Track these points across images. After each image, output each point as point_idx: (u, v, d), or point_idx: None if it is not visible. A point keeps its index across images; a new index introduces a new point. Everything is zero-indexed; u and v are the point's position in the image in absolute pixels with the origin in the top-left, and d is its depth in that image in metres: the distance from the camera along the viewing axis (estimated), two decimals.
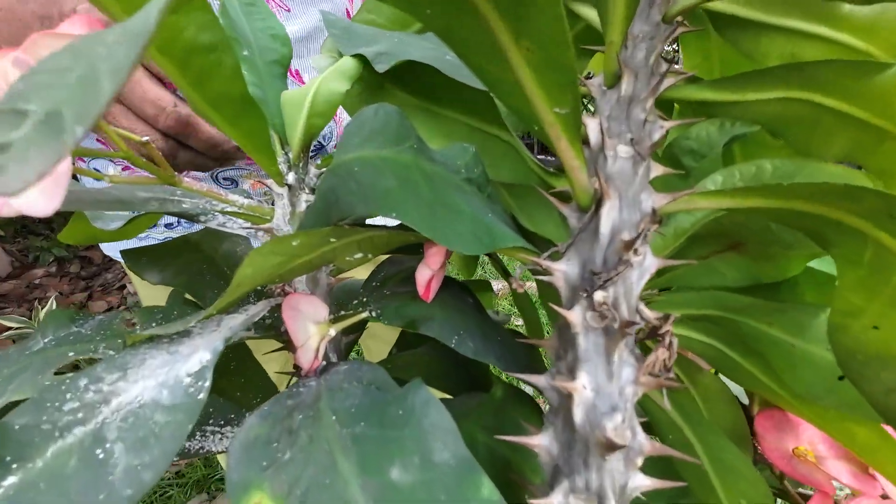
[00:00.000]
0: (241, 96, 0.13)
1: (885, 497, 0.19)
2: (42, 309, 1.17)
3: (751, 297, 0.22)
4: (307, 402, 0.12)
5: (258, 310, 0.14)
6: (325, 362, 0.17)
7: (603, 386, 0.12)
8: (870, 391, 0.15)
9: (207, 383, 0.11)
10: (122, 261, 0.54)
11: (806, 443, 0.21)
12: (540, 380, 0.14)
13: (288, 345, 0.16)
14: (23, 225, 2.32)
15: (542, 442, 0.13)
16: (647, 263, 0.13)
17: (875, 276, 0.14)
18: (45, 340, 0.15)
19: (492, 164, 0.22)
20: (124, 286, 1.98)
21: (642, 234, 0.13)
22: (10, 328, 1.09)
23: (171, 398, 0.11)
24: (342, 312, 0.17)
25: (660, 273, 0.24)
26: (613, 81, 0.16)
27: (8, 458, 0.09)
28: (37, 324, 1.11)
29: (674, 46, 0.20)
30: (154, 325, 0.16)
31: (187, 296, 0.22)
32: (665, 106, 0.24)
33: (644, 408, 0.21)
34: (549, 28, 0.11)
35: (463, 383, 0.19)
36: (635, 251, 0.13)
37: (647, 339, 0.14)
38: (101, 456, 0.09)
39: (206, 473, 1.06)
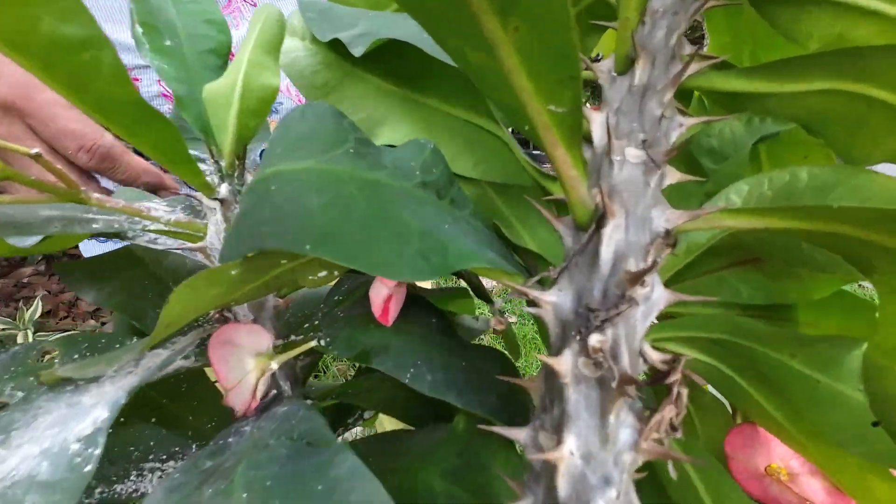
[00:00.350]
0: (133, 101, 0.10)
1: None
2: (28, 310, 1.14)
3: (765, 317, 0.20)
4: (225, 467, 0.09)
5: (186, 343, 0.12)
6: (274, 391, 0.14)
7: (595, 452, 0.10)
8: None
9: (98, 450, 0.09)
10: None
11: (778, 459, 0.19)
12: (520, 434, 0.11)
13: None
14: None
15: None
16: (654, 297, 0.11)
17: None
18: None
19: (481, 162, 0.20)
20: None
21: (648, 259, 0.11)
22: None
23: (52, 472, 0.09)
24: (293, 338, 0.14)
25: (667, 285, 0.22)
26: (626, 67, 0.13)
27: None
28: (22, 325, 1.10)
29: (697, 20, 0.17)
30: (77, 357, 0.14)
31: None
32: (684, 96, 0.21)
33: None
34: (544, 2, 0.08)
35: (429, 412, 0.17)
36: (642, 283, 0.11)
37: (652, 385, 0.12)
38: None
39: None
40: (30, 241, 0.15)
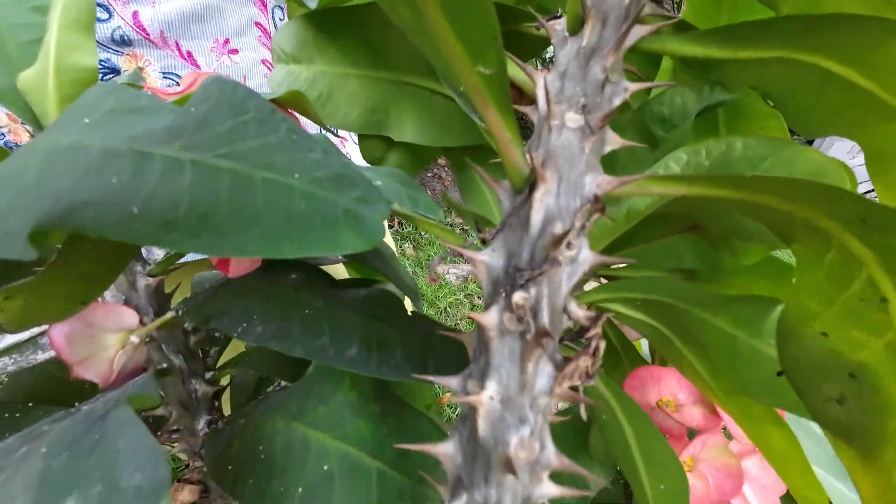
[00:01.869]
0: None
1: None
2: None
3: (705, 282, 0.21)
4: (51, 430, 0.10)
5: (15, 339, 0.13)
6: (165, 365, 0.15)
7: (513, 396, 0.11)
8: (808, 397, 0.14)
9: None
10: None
11: (668, 394, 0.21)
12: (452, 382, 0.12)
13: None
14: None
15: (446, 450, 0.12)
16: (581, 259, 0.12)
17: (834, 282, 0.12)
18: None
19: (444, 129, 0.20)
20: None
21: (576, 223, 0.11)
22: None
23: None
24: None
25: (612, 250, 0.23)
26: (576, 27, 0.13)
27: None
28: None
29: None
30: None
31: None
32: (652, 62, 0.21)
33: (586, 392, 0.20)
34: None
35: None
36: (568, 245, 0.11)
37: (574, 340, 0.13)
38: None
39: None
40: None
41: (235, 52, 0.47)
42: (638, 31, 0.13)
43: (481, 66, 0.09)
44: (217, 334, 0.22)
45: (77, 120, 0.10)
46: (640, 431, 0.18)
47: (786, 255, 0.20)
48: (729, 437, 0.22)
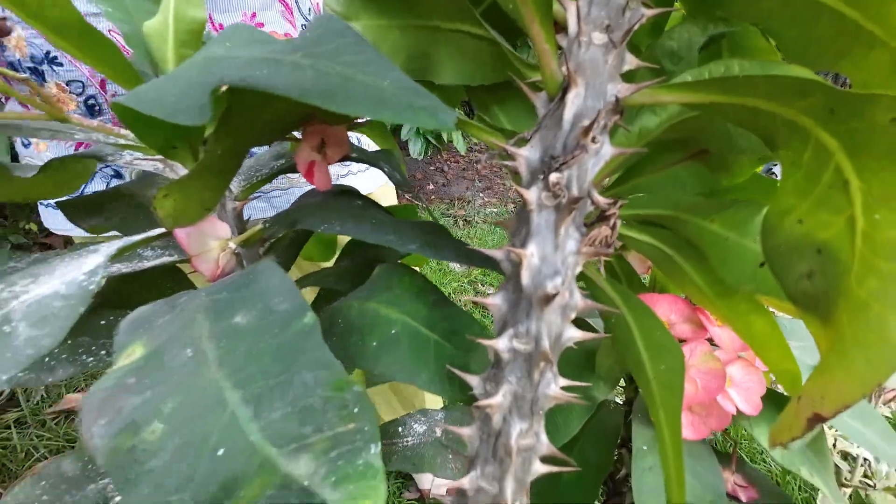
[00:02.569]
0: (79, 24, 0.13)
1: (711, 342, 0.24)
2: None
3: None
4: (195, 293, 0.14)
5: (156, 231, 0.16)
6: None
7: (549, 255, 0.14)
8: (784, 278, 0.17)
9: (98, 278, 0.13)
10: (63, 231, 0.55)
11: (662, 315, 0.25)
12: (497, 253, 0.15)
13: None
14: None
15: (495, 301, 0.15)
16: (603, 151, 0.15)
17: (810, 178, 0.15)
18: None
19: (475, 67, 0.22)
20: None
21: (600, 120, 0.14)
22: None
23: (68, 290, 0.13)
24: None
25: (625, 180, 0.26)
26: None
27: None
28: None
29: None
30: None
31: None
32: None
33: (594, 296, 0.24)
34: None
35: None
36: (594, 139, 0.14)
37: (597, 223, 0.16)
38: (8, 330, 0.12)
39: None
40: (30, 173, 0.18)
41: (261, 25, 0.50)
42: None
43: None
44: (281, 261, 0.26)
45: (221, 44, 0.13)
46: (641, 321, 0.21)
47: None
48: (715, 347, 0.26)
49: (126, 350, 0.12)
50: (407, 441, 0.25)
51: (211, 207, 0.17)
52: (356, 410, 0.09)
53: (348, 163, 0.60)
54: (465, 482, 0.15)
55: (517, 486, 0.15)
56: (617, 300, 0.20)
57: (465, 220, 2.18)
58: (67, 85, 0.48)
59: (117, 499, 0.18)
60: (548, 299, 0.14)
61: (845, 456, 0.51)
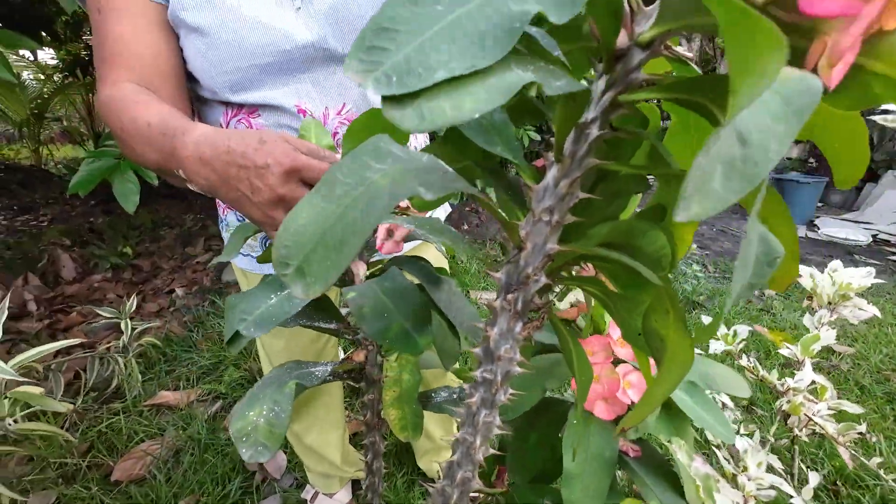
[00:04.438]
0: None
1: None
2: (127, 303, 1.44)
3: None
4: None
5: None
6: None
7: (504, 333, 0.27)
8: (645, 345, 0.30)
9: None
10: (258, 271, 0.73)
11: (588, 349, 0.38)
12: (480, 325, 0.28)
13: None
14: (81, 236, 2.47)
15: (476, 351, 0.28)
16: (541, 281, 0.26)
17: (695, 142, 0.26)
18: None
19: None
20: (172, 290, 2.19)
21: (539, 265, 0.25)
22: (105, 317, 1.43)
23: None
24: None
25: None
26: (558, 157, 0.25)
27: None
28: (124, 317, 1.39)
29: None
30: None
31: None
32: None
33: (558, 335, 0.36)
34: None
35: None
36: (536, 278, 0.25)
37: (533, 321, 0.28)
38: None
39: None
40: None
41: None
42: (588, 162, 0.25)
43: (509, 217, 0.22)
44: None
45: None
46: (577, 350, 0.34)
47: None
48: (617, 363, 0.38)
49: None
50: (436, 400, 0.41)
51: None
52: None
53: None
54: (458, 434, 0.30)
55: (482, 440, 0.29)
56: (568, 339, 0.32)
57: (496, 259, 2.48)
58: None
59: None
60: (500, 357, 0.26)
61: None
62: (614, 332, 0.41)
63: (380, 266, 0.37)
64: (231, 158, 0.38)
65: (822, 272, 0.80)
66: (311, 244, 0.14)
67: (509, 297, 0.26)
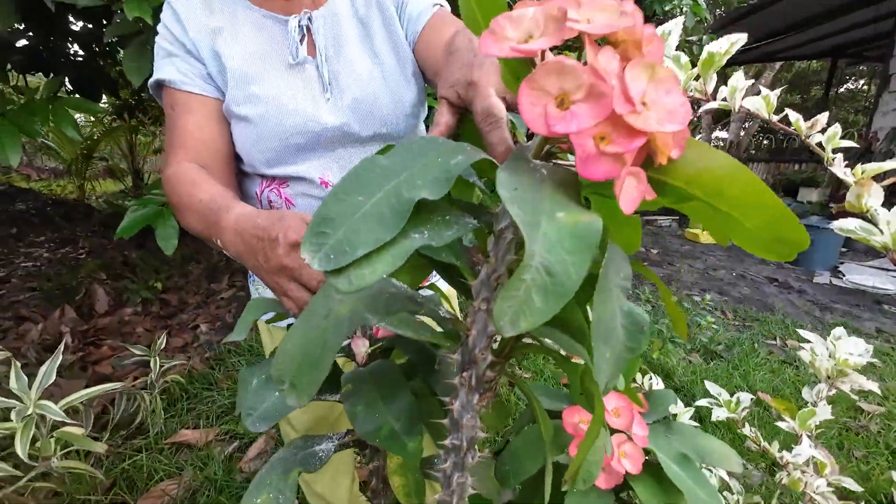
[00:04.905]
0: None
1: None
2: (158, 341, 1.54)
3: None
4: None
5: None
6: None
7: (464, 404, 0.33)
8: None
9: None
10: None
11: (567, 421, 0.42)
12: (448, 399, 0.34)
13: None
14: (115, 269, 2.66)
15: (446, 422, 0.34)
16: (488, 360, 0.32)
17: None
18: None
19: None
20: (197, 326, 2.33)
21: (485, 345, 0.31)
22: (137, 354, 1.51)
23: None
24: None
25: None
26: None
27: None
28: (154, 354, 1.48)
29: None
30: None
31: None
32: None
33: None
34: None
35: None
36: (483, 357, 0.32)
37: (486, 392, 0.34)
38: None
39: None
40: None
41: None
42: None
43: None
44: None
45: None
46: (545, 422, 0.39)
47: None
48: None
49: None
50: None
51: None
52: None
53: None
54: (437, 497, 0.35)
55: (458, 501, 0.34)
56: (536, 400, 0.38)
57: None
58: None
59: None
60: (462, 425, 0.32)
61: None
62: (609, 402, 0.43)
63: (380, 345, 0.42)
64: (255, 232, 0.47)
65: (828, 336, 0.73)
66: (297, 364, 0.20)
67: (464, 374, 0.32)
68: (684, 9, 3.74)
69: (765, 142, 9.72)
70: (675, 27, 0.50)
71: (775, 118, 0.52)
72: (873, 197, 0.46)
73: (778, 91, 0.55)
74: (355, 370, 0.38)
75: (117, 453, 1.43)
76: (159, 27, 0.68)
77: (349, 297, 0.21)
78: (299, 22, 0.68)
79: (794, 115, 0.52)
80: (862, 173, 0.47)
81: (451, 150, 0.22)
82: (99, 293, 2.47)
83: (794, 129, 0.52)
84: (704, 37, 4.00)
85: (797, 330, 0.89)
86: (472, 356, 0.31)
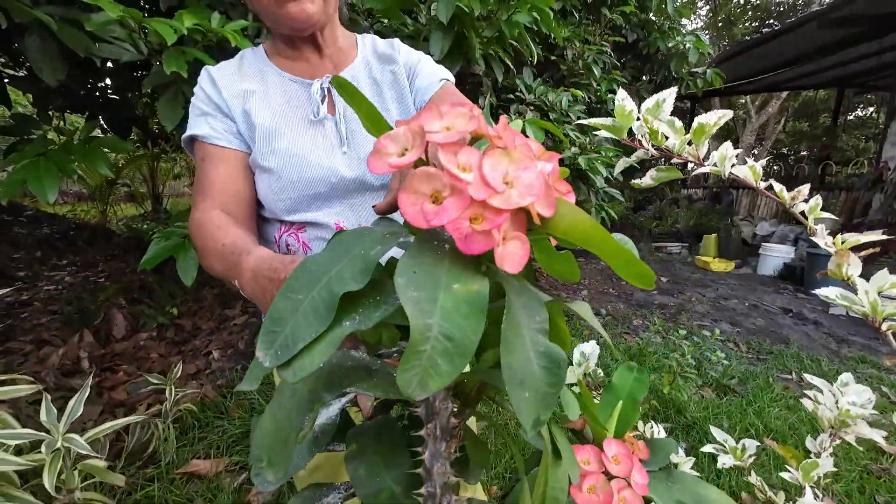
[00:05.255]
0: None
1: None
2: (174, 370, 1.58)
3: None
4: None
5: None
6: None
7: (434, 454, 0.37)
8: None
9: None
10: None
11: (580, 454, 0.45)
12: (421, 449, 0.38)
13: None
14: (133, 294, 2.72)
15: (420, 471, 0.38)
16: (450, 408, 0.36)
17: None
18: None
19: None
20: (210, 352, 2.35)
21: (445, 398, 0.36)
22: (153, 383, 1.53)
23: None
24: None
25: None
26: None
27: None
28: (169, 383, 1.50)
29: None
30: None
31: None
32: None
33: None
34: None
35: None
36: (445, 406, 0.36)
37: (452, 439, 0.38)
38: None
39: None
40: None
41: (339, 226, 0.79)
42: None
43: None
44: None
45: None
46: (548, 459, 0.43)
47: None
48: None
49: None
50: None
51: None
52: None
53: None
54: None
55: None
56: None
57: None
58: None
59: None
60: (433, 473, 0.36)
61: None
62: (609, 448, 0.43)
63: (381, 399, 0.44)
64: (269, 274, 0.52)
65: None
66: (269, 443, 0.24)
67: (429, 426, 0.36)
68: (687, 45, 3.87)
69: (775, 167, 9.68)
70: (669, 96, 0.54)
71: (762, 185, 0.54)
72: (853, 266, 0.47)
73: (763, 161, 0.57)
74: (359, 427, 0.41)
75: (131, 481, 1.44)
76: (196, 89, 0.77)
77: (309, 377, 0.23)
78: (321, 84, 0.77)
79: (777, 186, 0.53)
80: (842, 243, 0.49)
81: (375, 240, 0.25)
82: (117, 318, 2.53)
83: (779, 198, 0.53)
84: (708, 70, 4.11)
85: (804, 375, 0.86)
86: (434, 408, 0.35)
